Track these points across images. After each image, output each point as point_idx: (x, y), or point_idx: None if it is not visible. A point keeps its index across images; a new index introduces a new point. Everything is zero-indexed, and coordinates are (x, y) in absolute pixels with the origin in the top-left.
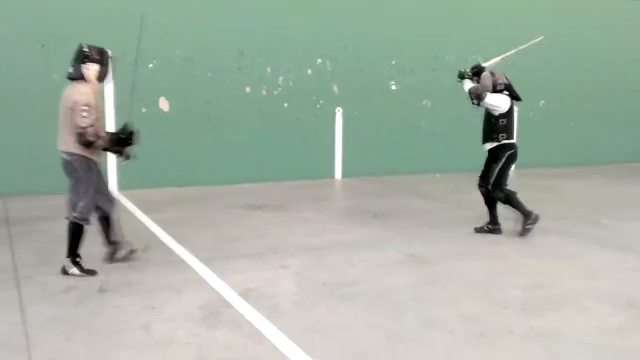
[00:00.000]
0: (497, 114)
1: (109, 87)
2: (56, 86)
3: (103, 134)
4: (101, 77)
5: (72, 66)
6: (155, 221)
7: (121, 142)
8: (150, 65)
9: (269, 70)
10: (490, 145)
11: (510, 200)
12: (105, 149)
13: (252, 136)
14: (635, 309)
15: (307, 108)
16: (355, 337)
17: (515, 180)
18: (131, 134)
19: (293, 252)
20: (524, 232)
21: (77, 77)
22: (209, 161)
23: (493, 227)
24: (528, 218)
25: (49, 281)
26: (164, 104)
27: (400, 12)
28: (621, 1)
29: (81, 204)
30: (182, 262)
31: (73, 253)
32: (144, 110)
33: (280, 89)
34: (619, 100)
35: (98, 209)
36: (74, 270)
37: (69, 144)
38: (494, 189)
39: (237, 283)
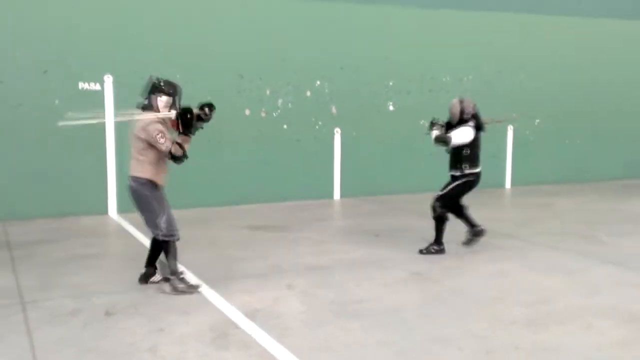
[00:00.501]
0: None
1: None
2: (57, 111)
3: (180, 148)
4: (171, 108)
5: (143, 96)
6: None
7: (186, 124)
8: None
9: (267, 92)
10: (454, 172)
11: (440, 221)
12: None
13: (251, 157)
14: (637, 323)
15: (306, 129)
16: (364, 355)
17: (510, 197)
18: (190, 117)
19: (297, 272)
20: (426, 251)
21: (148, 107)
22: (209, 183)
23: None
24: (435, 244)
25: (54, 304)
26: None
27: (396, 33)
28: (615, 22)
29: (161, 221)
30: None
31: (174, 271)
32: None
33: (279, 111)
34: (611, 119)
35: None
36: (181, 287)
37: (135, 169)
38: (438, 202)
39: (243, 303)
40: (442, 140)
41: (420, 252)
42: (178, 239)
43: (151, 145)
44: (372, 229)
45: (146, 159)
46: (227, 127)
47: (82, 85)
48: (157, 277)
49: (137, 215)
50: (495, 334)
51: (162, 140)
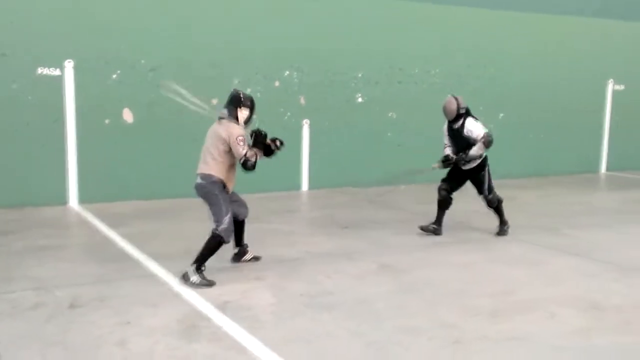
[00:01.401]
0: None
1: (70, 99)
2: (14, 96)
3: (254, 155)
4: (247, 121)
5: (226, 108)
6: (121, 235)
7: (266, 148)
8: (114, 76)
9: (236, 81)
10: (472, 165)
11: (500, 205)
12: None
13: None
14: (597, 311)
15: (274, 120)
16: (335, 346)
17: (474, 190)
18: (264, 137)
19: (267, 264)
20: (502, 233)
21: (231, 118)
22: (175, 173)
23: (438, 227)
24: (504, 224)
25: (15, 297)
26: (127, 115)
27: (366, 24)
28: (581, 20)
29: (226, 218)
30: (154, 275)
31: (202, 261)
32: (107, 121)
33: None
34: (573, 114)
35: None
36: (195, 279)
37: (211, 168)
38: (491, 193)
39: (213, 295)
40: (480, 153)
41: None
42: (226, 243)
43: (230, 150)
44: (341, 221)
45: (223, 161)
46: (193, 116)
47: (41, 70)
48: (249, 255)
49: (99, 206)
50: (462, 324)
51: (241, 144)
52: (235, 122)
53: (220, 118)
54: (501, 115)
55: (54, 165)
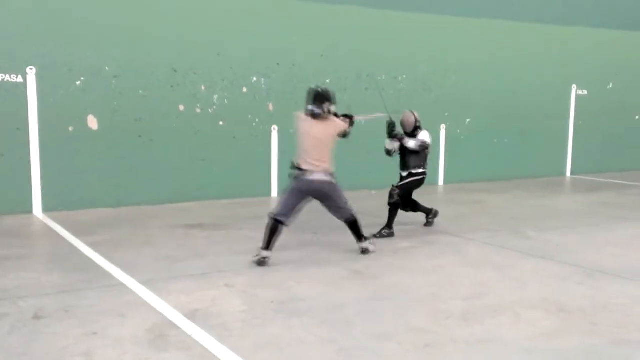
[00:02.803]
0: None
1: (33, 104)
2: None
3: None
4: (333, 113)
5: (314, 105)
6: (86, 243)
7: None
8: (78, 82)
9: (202, 87)
10: (409, 171)
11: (395, 208)
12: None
13: (186, 154)
14: (564, 313)
15: (242, 126)
16: (306, 353)
17: (443, 194)
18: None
19: (236, 270)
20: (379, 235)
21: (321, 114)
22: (142, 180)
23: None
24: (386, 228)
25: None
26: (92, 122)
27: (333, 30)
28: (544, 27)
29: (349, 203)
30: (121, 285)
31: (363, 235)
32: (70, 128)
33: (215, 107)
34: (538, 119)
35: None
36: (372, 247)
37: (329, 166)
38: (397, 190)
39: (181, 304)
40: (412, 146)
41: (374, 236)
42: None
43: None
44: (310, 227)
45: (331, 157)
46: (160, 123)
47: (2, 77)
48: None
49: (64, 214)
50: (433, 328)
51: (345, 124)
52: (334, 117)
53: (315, 115)
54: (468, 120)
55: (17, 173)
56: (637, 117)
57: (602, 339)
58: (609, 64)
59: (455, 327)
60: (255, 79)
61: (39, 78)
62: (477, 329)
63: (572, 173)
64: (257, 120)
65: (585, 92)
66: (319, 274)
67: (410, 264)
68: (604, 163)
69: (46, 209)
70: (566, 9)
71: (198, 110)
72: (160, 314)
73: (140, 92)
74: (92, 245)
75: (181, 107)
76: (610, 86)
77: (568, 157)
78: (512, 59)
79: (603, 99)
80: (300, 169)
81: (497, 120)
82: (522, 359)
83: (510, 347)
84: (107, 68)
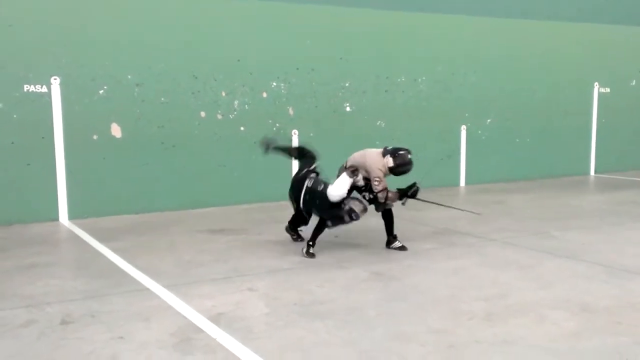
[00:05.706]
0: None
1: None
2: (1, 115)
3: (387, 196)
4: None
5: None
6: (112, 249)
7: (403, 193)
8: (101, 91)
9: (223, 94)
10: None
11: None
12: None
13: (208, 160)
14: (588, 313)
15: (263, 131)
16: (329, 354)
17: (465, 195)
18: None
19: (258, 274)
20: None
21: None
22: (165, 187)
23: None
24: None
25: (5, 316)
26: (115, 130)
27: (351, 34)
28: (562, 25)
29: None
30: (146, 289)
31: (395, 235)
32: (95, 137)
33: (235, 113)
34: (560, 117)
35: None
36: (397, 243)
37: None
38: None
39: (205, 308)
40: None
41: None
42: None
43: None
44: (331, 230)
45: None
46: (182, 129)
47: (27, 87)
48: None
49: (89, 221)
50: (455, 329)
51: (376, 183)
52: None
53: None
54: (488, 120)
55: (43, 182)
56: None
57: (627, 339)
58: (632, 61)
59: (478, 328)
60: (274, 84)
61: (63, 88)
62: (500, 329)
63: (596, 172)
64: (277, 124)
65: (608, 89)
66: (341, 276)
67: (432, 265)
68: (628, 161)
69: (72, 216)
70: (586, 5)
71: (219, 117)
72: (185, 317)
73: (162, 99)
74: (117, 251)
75: (202, 114)
76: (634, 83)
77: (592, 155)
78: (531, 58)
79: (626, 96)
80: None
81: (518, 119)
82: (546, 359)
83: (534, 348)
84: (129, 76)
